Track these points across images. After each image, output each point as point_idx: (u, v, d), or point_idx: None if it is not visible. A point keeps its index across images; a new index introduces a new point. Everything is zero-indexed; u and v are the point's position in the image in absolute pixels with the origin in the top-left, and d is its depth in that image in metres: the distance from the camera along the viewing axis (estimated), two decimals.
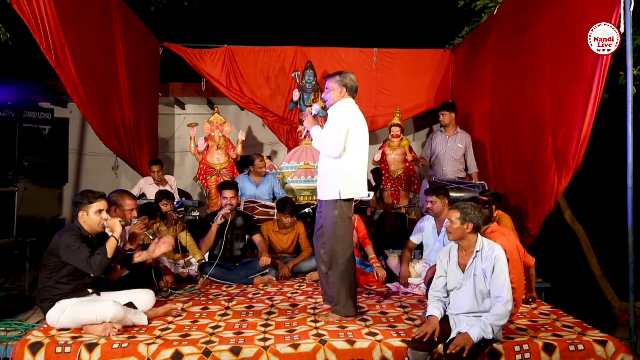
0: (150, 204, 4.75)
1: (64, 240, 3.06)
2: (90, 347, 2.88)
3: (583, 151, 4.10)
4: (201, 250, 4.73)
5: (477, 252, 2.88)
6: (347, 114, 3.35)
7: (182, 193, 6.70)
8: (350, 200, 3.39)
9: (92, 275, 3.21)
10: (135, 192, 6.08)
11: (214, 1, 8.89)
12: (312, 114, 3.62)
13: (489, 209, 3.57)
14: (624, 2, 3.54)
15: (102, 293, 3.34)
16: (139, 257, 3.45)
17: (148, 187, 6.12)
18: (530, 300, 3.79)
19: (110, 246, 3.11)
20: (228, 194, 4.70)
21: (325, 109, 3.99)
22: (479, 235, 2.93)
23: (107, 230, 3.24)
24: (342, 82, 3.40)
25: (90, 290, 3.26)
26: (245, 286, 4.47)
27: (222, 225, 4.65)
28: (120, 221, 3.22)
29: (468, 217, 2.85)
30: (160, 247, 3.44)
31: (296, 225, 5.07)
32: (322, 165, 3.43)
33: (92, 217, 3.17)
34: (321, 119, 5.76)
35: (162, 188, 5.99)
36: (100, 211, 3.19)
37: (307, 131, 3.52)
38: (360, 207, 5.65)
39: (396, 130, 6.50)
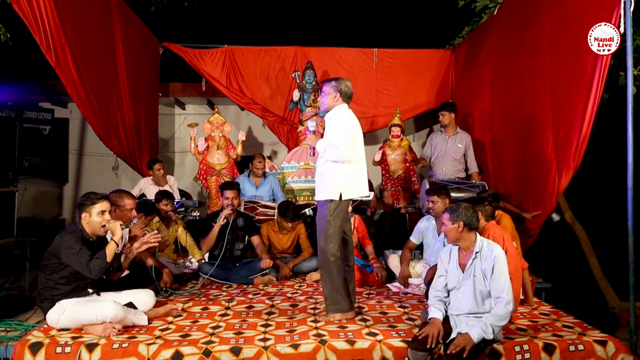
0: (145, 201, 4.74)
1: (65, 242, 3.06)
2: (90, 347, 2.88)
3: (583, 150, 4.10)
4: (202, 250, 4.73)
5: (476, 252, 2.88)
6: (346, 119, 3.42)
7: (182, 193, 6.70)
8: (347, 201, 3.42)
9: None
10: (136, 192, 6.08)
11: (214, 1, 8.90)
12: (310, 131, 3.64)
13: (491, 207, 3.59)
14: (624, 2, 3.54)
15: (102, 293, 3.34)
16: (125, 260, 3.43)
17: (148, 187, 6.12)
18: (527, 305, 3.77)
19: (110, 250, 3.10)
20: (229, 194, 4.70)
21: (318, 114, 4.01)
22: (478, 235, 2.94)
23: (107, 234, 3.24)
24: (337, 88, 3.47)
25: (90, 290, 3.26)
26: (245, 286, 4.46)
27: (224, 225, 4.65)
28: (120, 224, 3.22)
29: (457, 216, 2.85)
30: (143, 245, 3.37)
31: (297, 225, 5.07)
32: (321, 167, 3.45)
33: (94, 218, 3.18)
34: (320, 119, 5.76)
35: (162, 188, 6.01)
36: (103, 212, 3.19)
37: (313, 148, 3.53)
38: (360, 207, 5.65)
39: (396, 130, 6.50)
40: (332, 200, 3.35)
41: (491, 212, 3.59)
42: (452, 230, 2.88)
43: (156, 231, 3.51)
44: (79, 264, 3.02)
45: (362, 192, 3.46)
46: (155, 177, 6.17)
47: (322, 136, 3.53)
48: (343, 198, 3.35)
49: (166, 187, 6.01)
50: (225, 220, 4.64)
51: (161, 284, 4.14)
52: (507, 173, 5.62)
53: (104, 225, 3.20)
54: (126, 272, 3.71)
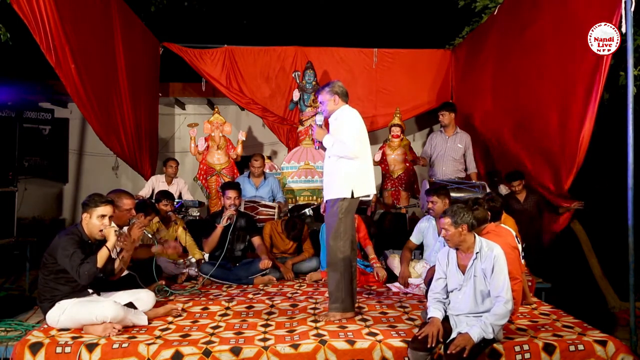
0: (143, 200, 4.74)
1: (62, 243, 3.06)
2: (90, 347, 2.87)
3: (584, 150, 4.10)
4: (204, 250, 4.73)
5: (476, 253, 2.87)
6: (353, 117, 3.47)
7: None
8: (357, 199, 3.45)
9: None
10: (147, 190, 6.07)
11: (214, 1, 8.90)
12: (318, 125, 3.67)
13: (483, 209, 3.54)
14: (625, 2, 3.55)
15: (102, 293, 3.34)
16: (118, 265, 3.40)
17: (159, 184, 6.11)
18: (526, 305, 3.76)
19: (102, 256, 3.08)
20: (231, 194, 4.70)
21: (318, 114, 4.02)
22: (476, 235, 2.93)
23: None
24: (332, 91, 3.52)
25: (90, 290, 3.25)
26: (245, 286, 4.46)
27: (226, 226, 4.64)
28: (115, 230, 3.19)
29: (460, 219, 2.84)
30: (135, 232, 3.41)
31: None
32: (330, 166, 3.47)
33: (94, 220, 3.17)
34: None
35: (173, 186, 6.05)
36: (103, 216, 3.18)
37: (319, 142, 3.58)
38: (360, 207, 5.63)
39: (396, 130, 6.50)
40: (344, 198, 3.38)
41: (483, 217, 3.46)
42: (455, 234, 2.86)
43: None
44: (70, 267, 3.02)
45: (371, 189, 3.51)
46: (166, 175, 6.17)
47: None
48: (355, 195, 3.39)
49: (173, 188, 6.00)
50: (228, 222, 4.63)
51: (161, 283, 4.11)
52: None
53: (102, 230, 3.19)
54: (126, 272, 3.70)
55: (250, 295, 4.10)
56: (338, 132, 3.43)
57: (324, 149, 3.55)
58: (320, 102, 3.61)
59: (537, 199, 5.12)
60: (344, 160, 3.38)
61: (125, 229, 3.67)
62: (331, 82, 3.61)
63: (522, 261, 3.65)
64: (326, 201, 3.53)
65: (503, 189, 5.62)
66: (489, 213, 3.50)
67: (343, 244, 3.39)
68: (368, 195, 3.54)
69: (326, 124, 3.63)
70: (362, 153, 3.45)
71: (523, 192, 5.19)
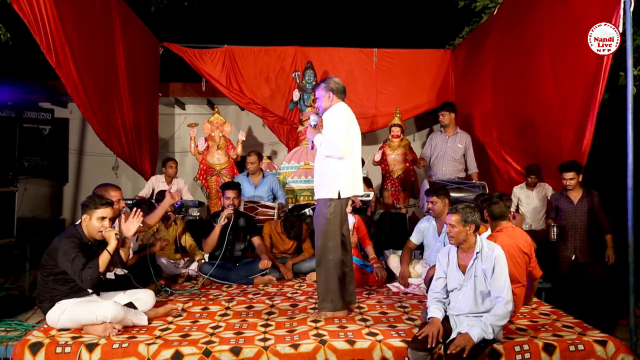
0: (143, 199, 4.73)
1: (63, 246, 3.05)
2: (90, 347, 2.87)
3: (587, 152, 4.10)
4: (203, 250, 4.73)
5: (477, 253, 2.88)
6: (343, 116, 3.44)
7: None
8: (346, 199, 3.45)
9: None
10: (147, 190, 6.06)
11: (214, 1, 8.90)
12: (311, 125, 3.67)
13: (503, 205, 3.47)
14: (624, 2, 3.55)
15: (102, 293, 3.33)
16: (123, 250, 3.37)
17: (159, 185, 6.11)
18: (526, 305, 3.72)
19: (103, 260, 3.07)
20: (230, 194, 4.70)
21: (317, 114, 4.02)
22: (478, 235, 2.94)
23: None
24: (327, 88, 3.51)
25: (89, 290, 3.25)
26: (245, 286, 4.46)
27: (225, 225, 4.65)
28: (115, 234, 3.18)
29: (469, 218, 2.85)
30: (132, 224, 3.33)
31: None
32: (319, 166, 3.48)
33: (93, 222, 3.16)
34: (319, 118, 5.75)
35: (173, 186, 6.04)
36: (103, 218, 3.17)
37: (312, 142, 3.57)
38: (360, 207, 5.64)
39: (396, 130, 6.50)
40: (331, 199, 3.38)
41: (499, 212, 3.36)
42: (461, 232, 2.86)
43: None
44: (72, 272, 3.02)
45: (358, 190, 3.50)
46: (166, 175, 6.17)
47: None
48: (342, 196, 3.39)
49: (172, 188, 5.99)
50: (226, 221, 4.63)
51: (161, 282, 4.11)
52: (510, 172, 5.61)
53: (101, 232, 3.18)
54: (125, 272, 3.70)
55: (250, 295, 4.10)
56: (326, 132, 3.42)
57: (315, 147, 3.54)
58: (316, 98, 3.61)
59: (591, 202, 4.29)
60: (330, 160, 3.38)
61: (115, 225, 3.62)
62: (328, 77, 3.58)
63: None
64: (317, 201, 3.54)
65: (518, 192, 5.49)
66: (509, 210, 3.39)
67: (332, 244, 3.40)
68: (368, 195, 3.55)
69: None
70: (349, 153, 3.42)
71: (578, 190, 4.33)
